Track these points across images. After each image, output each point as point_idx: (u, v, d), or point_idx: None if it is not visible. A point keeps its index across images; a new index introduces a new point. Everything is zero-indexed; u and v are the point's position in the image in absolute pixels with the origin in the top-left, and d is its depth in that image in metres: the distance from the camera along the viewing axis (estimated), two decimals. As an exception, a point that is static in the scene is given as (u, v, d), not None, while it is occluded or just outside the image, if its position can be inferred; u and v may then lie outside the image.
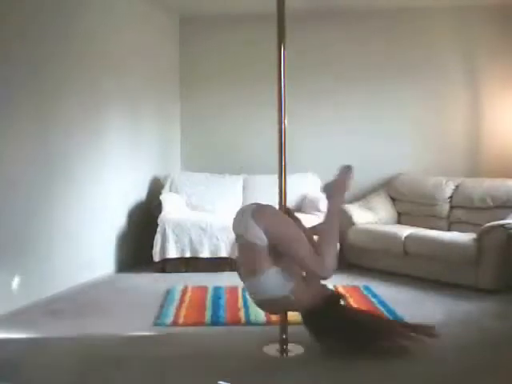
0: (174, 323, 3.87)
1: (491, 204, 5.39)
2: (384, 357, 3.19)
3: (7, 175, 4.12)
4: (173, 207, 5.83)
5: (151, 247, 5.55)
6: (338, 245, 3.42)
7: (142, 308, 4.27)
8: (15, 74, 4.15)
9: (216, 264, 5.57)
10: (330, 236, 3.25)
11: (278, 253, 3.09)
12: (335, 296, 3.44)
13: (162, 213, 5.66)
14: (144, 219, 5.95)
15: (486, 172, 6.06)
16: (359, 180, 6.44)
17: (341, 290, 4.73)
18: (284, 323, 3.34)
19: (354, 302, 4.34)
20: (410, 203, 6.05)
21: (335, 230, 3.28)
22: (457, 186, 5.76)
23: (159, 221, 5.59)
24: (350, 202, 6.19)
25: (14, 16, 4.13)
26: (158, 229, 5.56)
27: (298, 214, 5.52)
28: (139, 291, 4.83)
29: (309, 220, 5.62)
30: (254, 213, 3.07)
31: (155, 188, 6.28)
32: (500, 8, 6.08)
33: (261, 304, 3.25)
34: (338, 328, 3.21)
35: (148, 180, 6.27)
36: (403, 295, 4.65)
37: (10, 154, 4.15)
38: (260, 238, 3.02)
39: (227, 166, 6.51)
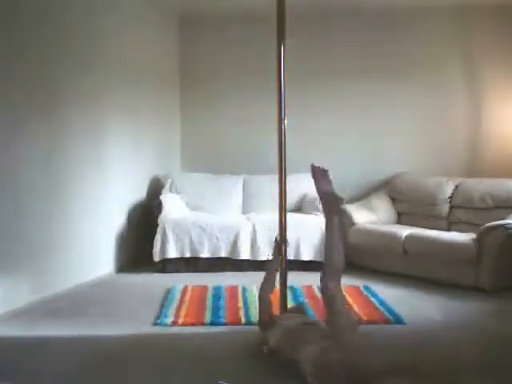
0: (174, 323, 3.87)
1: (491, 204, 5.39)
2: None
3: (8, 176, 4.12)
4: (173, 207, 5.83)
5: (151, 247, 5.55)
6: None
7: (142, 308, 4.27)
8: (20, 73, 4.16)
9: (216, 264, 5.57)
10: None
11: None
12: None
13: (162, 213, 5.65)
14: (144, 219, 5.95)
15: (486, 172, 6.05)
16: (359, 180, 6.58)
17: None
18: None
19: (353, 302, 4.34)
20: (410, 203, 6.04)
21: None
22: (457, 186, 5.76)
23: (159, 221, 5.59)
24: (350, 201, 6.21)
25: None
26: (158, 229, 5.55)
27: (298, 214, 5.64)
28: (139, 291, 4.83)
29: (309, 220, 5.66)
30: None
31: (155, 188, 6.28)
32: (499, 7, 6.08)
33: None
34: None
35: (148, 180, 6.27)
36: (403, 295, 4.64)
37: (12, 156, 4.15)
38: None
39: (227, 166, 6.52)
